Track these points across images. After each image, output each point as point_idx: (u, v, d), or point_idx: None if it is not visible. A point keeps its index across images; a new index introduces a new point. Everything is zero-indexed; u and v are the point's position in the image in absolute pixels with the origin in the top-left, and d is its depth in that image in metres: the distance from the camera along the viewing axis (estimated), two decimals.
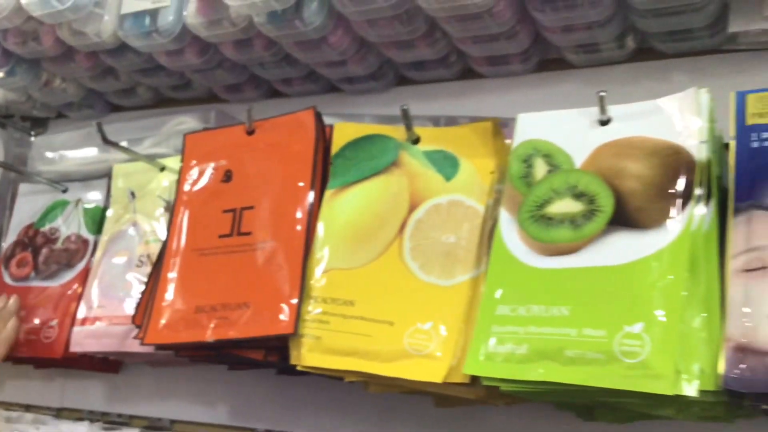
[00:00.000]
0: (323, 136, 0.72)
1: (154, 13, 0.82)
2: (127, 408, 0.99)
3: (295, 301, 0.66)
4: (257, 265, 0.69)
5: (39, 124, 1.15)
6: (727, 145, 0.59)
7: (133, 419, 0.99)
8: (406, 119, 0.68)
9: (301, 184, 0.70)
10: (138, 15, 0.83)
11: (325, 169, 0.72)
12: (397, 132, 0.70)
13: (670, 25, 0.70)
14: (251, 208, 0.71)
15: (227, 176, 0.74)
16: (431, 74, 0.85)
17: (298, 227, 0.69)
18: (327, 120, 0.81)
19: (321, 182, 0.72)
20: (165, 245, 0.75)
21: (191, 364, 0.93)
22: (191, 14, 0.79)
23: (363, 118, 0.81)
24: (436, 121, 0.78)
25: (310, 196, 0.70)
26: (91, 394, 1.02)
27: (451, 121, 0.76)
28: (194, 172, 0.77)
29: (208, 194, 0.74)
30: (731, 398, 0.52)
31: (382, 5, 0.71)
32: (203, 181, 0.75)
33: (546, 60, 0.82)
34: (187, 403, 0.95)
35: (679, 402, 0.54)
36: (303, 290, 0.67)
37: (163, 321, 0.70)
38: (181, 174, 0.78)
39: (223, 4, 0.76)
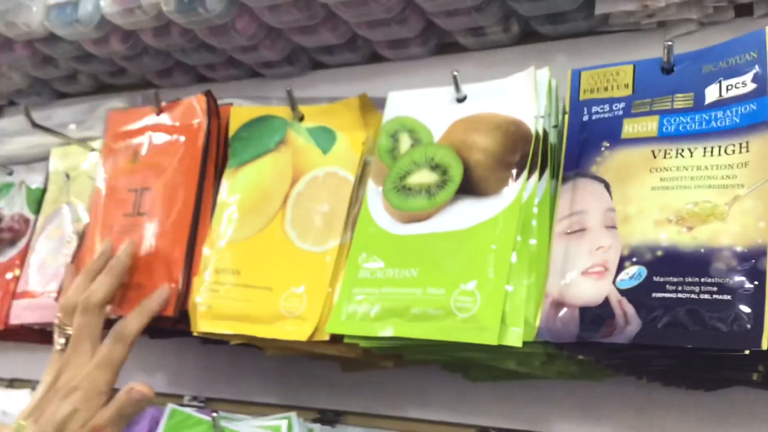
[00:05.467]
0: (216, 117, 0.77)
1: (76, 3, 0.87)
2: None
3: (177, 284, 0.72)
4: (149, 245, 0.74)
5: None
6: None
7: None
8: (291, 99, 0.73)
9: (192, 165, 0.75)
10: (62, 5, 0.88)
11: (219, 150, 0.77)
12: (286, 111, 0.75)
13: (543, 8, 0.74)
14: (149, 189, 0.76)
15: (135, 156, 0.79)
16: (340, 58, 0.90)
17: (186, 209, 0.73)
18: (241, 103, 0.86)
19: (216, 164, 0.76)
20: (86, 222, 0.81)
21: None
22: (107, 3, 0.84)
23: (270, 101, 0.86)
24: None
25: (199, 178, 0.74)
26: (40, 365, 1.08)
27: None
28: (110, 151, 0.82)
29: (119, 172, 0.79)
30: (557, 348, 0.57)
31: None
32: (117, 159, 0.81)
33: (444, 43, 0.86)
34: (125, 372, 1.01)
35: (514, 354, 0.59)
36: (188, 271, 0.72)
37: None
38: (101, 152, 0.83)
39: None
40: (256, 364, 0.91)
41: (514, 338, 0.55)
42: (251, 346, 0.75)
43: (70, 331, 0.72)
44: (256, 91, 0.95)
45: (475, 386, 0.78)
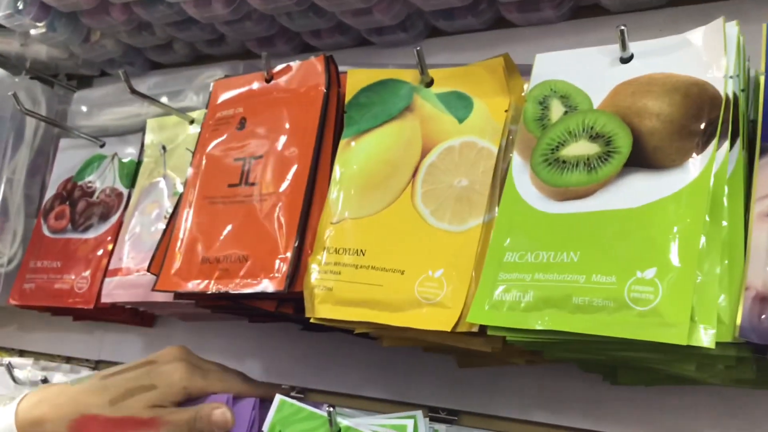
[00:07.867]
0: (336, 83, 0.70)
1: None
2: None
3: (288, 255, 0.64)
4: (258, 217, 0.67)
5: (84, 83, 1.17)
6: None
7: None
8: (421, 61, 0.65)
9: (308, 134, 0.68)
10: None
11: (338, 117, 0.69)
12: (411, 75, 0.67)
13: None
14: (260, 157, 0.69)
15: (242, 124, 0.72)
16: (461, 23, 0.82)
17: (300, 179, 0.66)
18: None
19: (334, 131, 0.69)
20: (182, 193, 0.74)
21: (220, 319, 0.93)
22: None
23: (386, 66, 0.78)
24: None
25: (316, 147, 0.67)
26: (128, 347, 1.04)
27: None
28: (215, 120, 0.75)
29: (223, 142, 0.73)
30: (753, 351, 0.48)
31: None
32: (221, 128, 0.74)
33: (581, 6, 0.77)
34: (216, 357, 0.95)
35: (697, 356, 0.50)
36: (301, 245, 0.64)
37: (173, 269, 0.69)
38: (204, 121, 0.76)
39: None
40: (359, 353, 0.84)
41: (707, 338, 0.46)
42: (360, 334, 0.68)
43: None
44: (366, 60, 0.88)
45: (611, 388, 0.69)
